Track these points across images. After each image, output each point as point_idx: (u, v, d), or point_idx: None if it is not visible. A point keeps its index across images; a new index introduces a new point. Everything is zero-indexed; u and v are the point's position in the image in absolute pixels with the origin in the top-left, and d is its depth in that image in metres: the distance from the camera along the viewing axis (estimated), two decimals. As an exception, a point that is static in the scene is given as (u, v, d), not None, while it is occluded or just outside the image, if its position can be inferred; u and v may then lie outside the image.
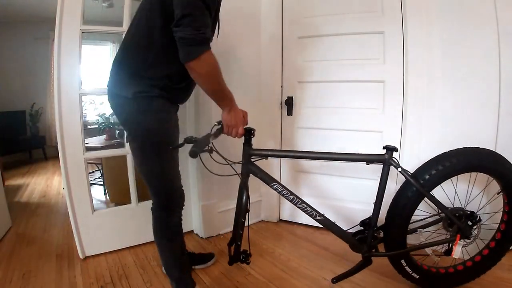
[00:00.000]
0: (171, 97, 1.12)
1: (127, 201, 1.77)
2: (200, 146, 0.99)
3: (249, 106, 1.98)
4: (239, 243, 1.27)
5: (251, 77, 1.99)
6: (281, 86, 2.01)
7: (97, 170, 3.14)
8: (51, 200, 2.71)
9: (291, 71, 1.98)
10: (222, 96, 1.10)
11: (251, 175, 1.27)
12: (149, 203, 1.80)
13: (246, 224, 1.27)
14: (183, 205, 1.20)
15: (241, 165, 1.26)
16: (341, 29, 1.79)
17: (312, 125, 1.96)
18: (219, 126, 1.21)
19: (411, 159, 1.61)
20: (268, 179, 1.25)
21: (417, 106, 1.63)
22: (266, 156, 1.25)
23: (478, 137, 1.47)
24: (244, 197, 1.23)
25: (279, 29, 1.95)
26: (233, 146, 1.37)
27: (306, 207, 1.25)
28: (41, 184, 3.27)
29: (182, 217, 1.21)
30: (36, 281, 1.44)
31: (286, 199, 1.26)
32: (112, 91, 1.13)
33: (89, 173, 2.36)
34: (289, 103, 1.97)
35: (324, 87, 1.89)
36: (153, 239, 1.79)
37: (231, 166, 1.19)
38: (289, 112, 2.00)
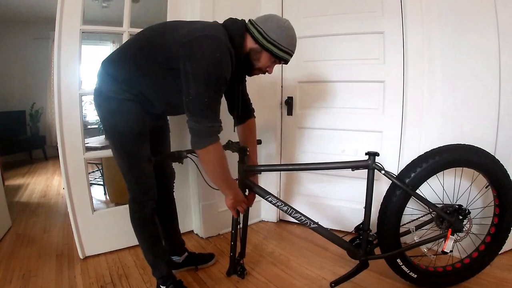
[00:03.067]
0: (144, 105, 1.16)
1: (127, 201, 1.77)
2: (162, 158, 1.26)
3: (249, 106, 2.00)
4: (231, 254, 1.37)
5: (250, 77, 1.98)
6: (281, 86, 2.01)
7: (97, 170, 3.14)
8: (51, 200, 2.71)
9: (291, 71, 1.97)
10: (224, 185, 1.17)
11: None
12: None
13: (247, 228, 1.37)
14: (155, 198, 1.26)
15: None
16: (341, 29, 1.79)
17: (312, 125, 1.96)
18: None
19: (411, 159, 1.61)
20: (263, 193, 1.33)
21: (417, 106, 1.63)
22: (259, 172, 1.35)
23: (478, 136, 1.47)
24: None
25: (279, 29, 1.95)
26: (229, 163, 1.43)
27: (300, 217, 1.30)
28: (41, 184, 3.27)
29: (154, 208, 1.27)
30: (36, 281, 1.44)
31: (281, 210, 1.32)
32: (95, 88, 1.17)
33: (89, 173, 2.36)
34: (289, 103, 1.97)
35: (324, 87, 1.89)
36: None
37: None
38: (289, 112, 2.00)
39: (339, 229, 1.89)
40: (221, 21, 1.16)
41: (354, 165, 1.24)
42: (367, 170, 1.23)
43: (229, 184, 1.17)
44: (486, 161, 1.23)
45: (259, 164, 1.46)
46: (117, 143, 1.16)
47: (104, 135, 3.15)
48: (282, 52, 1.10)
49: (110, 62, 1.15)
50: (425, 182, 1.23)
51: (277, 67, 1.97)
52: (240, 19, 1.16)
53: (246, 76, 1.26)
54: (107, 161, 2.47)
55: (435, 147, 1.25)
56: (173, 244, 1.50)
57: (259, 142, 1.48)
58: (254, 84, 2.00)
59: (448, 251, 1.19)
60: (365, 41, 1.74)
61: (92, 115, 4.22)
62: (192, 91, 0.99)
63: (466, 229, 1.23)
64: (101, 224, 1.68)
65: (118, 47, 1.18)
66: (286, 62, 1.18)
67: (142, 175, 1.21)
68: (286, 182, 2.11)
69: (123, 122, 1.13)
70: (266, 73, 1.19)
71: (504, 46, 1.42)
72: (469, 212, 1.23)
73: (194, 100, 1.00)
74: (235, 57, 1.08)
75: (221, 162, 1.10)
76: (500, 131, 1.48)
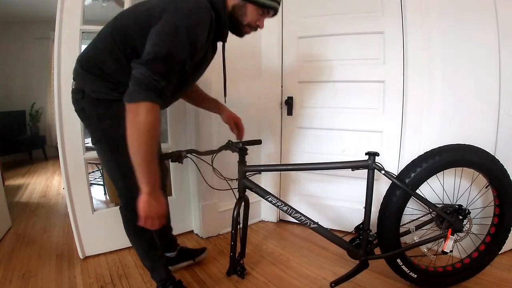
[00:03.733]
0: None
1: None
2: (161, 158, 1.17)
3: (249, 106, 2.00)
4: (231, 254, 1.35)
5: (251, 77, 1.98)
6: (281, 86, 2.01)
7: (97, 170, 3.14)
8: (51, 200, 2.71)
9: (291, 71, 1.98)
10: (144, 167, 0.90)
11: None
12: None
13: (247, 228, 1.35)
14: None
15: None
16: (341, 29, 1.79)
17: (312, 125, 1.96)
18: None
19: (411, 159, 1.61)
20: (263, 193, 1.32)
21: (417, 106, 1.63)
22: (259, 172, 1.34)
23: (478, 136, 1.47)
24: (235, 212, 1.30)
25: (279, 29, 1.95)
26: (229, 163, 1.47)
27: (300, 217, 1.30)
28: (41, 184, 3.27)
29: None
30: (36, 281, 1.44)
31: (281, 210, 1.32)
32: (74, 89, 1.07)
33: (89, 173, 2.36)
34: (289, 103, 1.97)
35: (324, 87, 1.89)
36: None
37: (228, 183, 1.32)
38: (289, 112, 2.00)
39: (338, 229, 1.89)
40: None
41: (354, 165, 1.24)
42: (367, 170, 1.23)
43: (150, 168, 0.90)
44: (486, 161, 1.23)
45: (260, 164, 1.47)
46: (106, 149, 1.08)
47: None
48: None
49: (89, 59, 1.04)
50: (425, 182, 1.23)
51: (277, 67, 1.99)
52: None
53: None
54: (107, 161, 2.46)
55: (435, 147, 1.26)
56: (167, 241, 1.50)
57: (259, 142, 1.48)
58: (254, 84, 2.01)
59: (448, 251, 1.19)
60: (365, 41, 1.74)
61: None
62: (150, 46, 0.85)
63: (466, 229, 1.23)
64: (101, 224, 1.68)
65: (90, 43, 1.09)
66: (275, 11, 1.08)
67: (134, 182, 1.08)
68: (286, 182, 2.11)
69: (114, 127, 1.02)
70: (258, 28, 1.10)
71: (504, 46, 1.42)
72: (469, 212, 1.23)
73: (150, 52, 0.85)
74: (218, 21, 0.99)
75: (150, 132, 0.86)
76: (500, 131, 1.48)
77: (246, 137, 1.47)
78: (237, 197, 1.34)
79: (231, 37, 1.16)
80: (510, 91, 1.45)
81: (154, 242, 1.28)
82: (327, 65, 1.87)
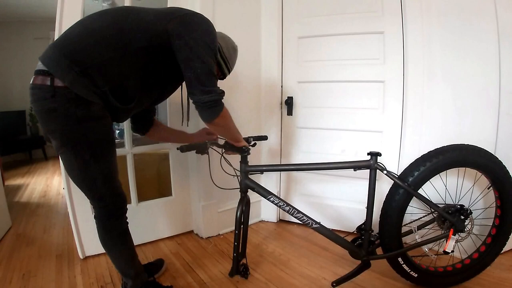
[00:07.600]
0: (109, 112, 1.02)
1: (127, 201, 1.77)
2: (188, 149, 1.24)
3: (249, 106, 2.00)
4: (235, 254, 1.35)
5: (251, 77, 1.98)
6: (281, 86, 2.01)
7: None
8: (51, 200, 2.71)
9: (291, 71, 1.98)
10: (238, 134, 1.28)
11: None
12: (149, 203, 1.81)
13: (248, 228, 1.35)
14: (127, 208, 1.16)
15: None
16: (341, 29, 1.79)
17: (312, 125, 1.96)
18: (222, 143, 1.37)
19: (411, 159, 1.61)
20: (265, 193, 1.32)
21: (417, 106, 1.63)
22: (261, 172, 1.35)
23: (479, 136, 1.47)
24: (239, 212, 1.31)
25: (279, 29, 1.95)
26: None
27: (302, 217, 1.30)
28: (41, 184, 3.27)
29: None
30: (36, 281, 1.44)
31: (283, 210, 1.32)
32: (39, 87, 0.94)
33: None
34: (289, 103, 1.97)
35: (324, 87, 1.89)
36: (152, 240, 1.82)
37: (238, 179, 1.34)
38: (289, 112, 2.00)
39: (339, 229, 1.89)
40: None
41: (357, 165, 1.24)
42: (369, 170, 1.22)
43: (239, 133, 1.29)
44: (489, 162, 1.23)
45: (259, 164, 1.47)
46: (86, 154, 0.98)
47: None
48: None
49: (78, 49, 0.93)
50: (428, 182, 1.23)
51: (277, 67, 1.99)
52: None
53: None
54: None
55: (436, 147, 1.25)
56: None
57: (265, 138, 1.54)
58: (253, 85, 2.01)
59: (450, 251, 1.19)
60: (365, 41, 1.74)
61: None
62: (198, 63, 0.98)
63: (468, 229, 1.23)
64: (101, 224, 1.67)
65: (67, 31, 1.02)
66: (224, 77, 1.30)
67: (119, 186, 1.09)
68: (287, 182, 2.11)
69: (96, 129, 0.97)
70: None
71: (504, 46, 1.42)
72: (471, 212, 1.22)
73: (202, 71, 0.99)
74: None
75: (231, 119, 1.18)
76: (500, 131, 1.48)
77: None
78: (240, 197, 1.34)
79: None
80: (510, 90, 1.45)
81: (134, 247, 1.21)
82: (327, 65, 1.86)
